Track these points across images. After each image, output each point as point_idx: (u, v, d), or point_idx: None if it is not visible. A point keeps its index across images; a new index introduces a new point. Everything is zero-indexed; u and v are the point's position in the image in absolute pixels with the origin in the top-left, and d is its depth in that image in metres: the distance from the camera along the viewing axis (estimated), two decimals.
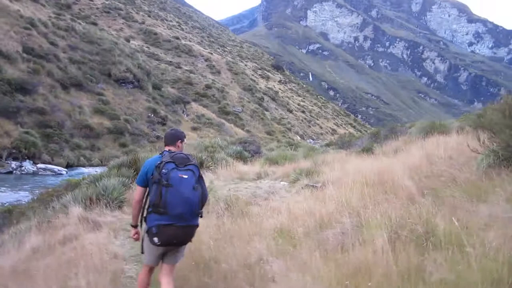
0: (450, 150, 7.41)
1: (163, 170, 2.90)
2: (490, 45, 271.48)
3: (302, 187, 7.37)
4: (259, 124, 54.52)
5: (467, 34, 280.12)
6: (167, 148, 3.26)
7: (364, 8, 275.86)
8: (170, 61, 69.87)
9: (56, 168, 21.09)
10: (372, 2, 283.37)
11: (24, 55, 30.49)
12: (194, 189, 2.89)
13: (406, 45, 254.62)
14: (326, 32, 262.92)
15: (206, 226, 4.85)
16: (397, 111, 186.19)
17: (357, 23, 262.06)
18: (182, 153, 3.11)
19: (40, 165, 21.01)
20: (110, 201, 6.58)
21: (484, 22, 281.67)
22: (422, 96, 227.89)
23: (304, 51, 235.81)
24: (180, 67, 67.18)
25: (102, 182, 6.95)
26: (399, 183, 5.55)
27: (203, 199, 2.97)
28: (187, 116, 44.01)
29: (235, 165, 10.94)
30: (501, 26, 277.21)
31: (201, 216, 3.01)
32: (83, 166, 23.53)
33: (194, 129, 40.56)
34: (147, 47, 74.51)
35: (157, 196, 2.87)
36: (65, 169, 21.68)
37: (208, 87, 58.72)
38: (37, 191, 9.83)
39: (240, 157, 13.06)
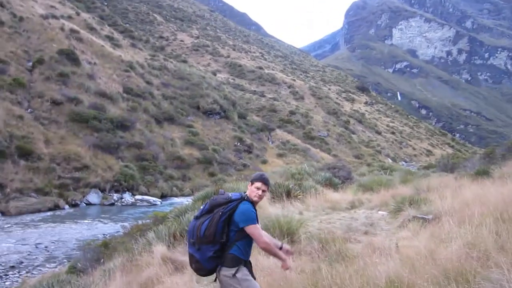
0: None
1: None
2: None
3: (409, 220, 6.19)
4: (346, 148, 52.47)
5: None
6: None
7: (456, 20, 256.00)
8: (254, 91, 71.94)
9: (151, 199, 22.35)
10: (465, 12, 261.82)
11: (124, 95, 33.70)
12: (195, 219, 2.94)
13: (510, 54, 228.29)
14: (414, 49, 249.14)
15: (300, 270, 4.05)
16: (503, 128, 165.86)
17: (449, 37, 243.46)
18: (225, 193, 3.04)
19: (137, 197, 22.49)
20: None
21: None
22: None
23: (390, 70, 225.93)
24: (264, 96, 68.67)
25: (186, 217, 6.65)
26: None
27: (199, 232, 2.83)
28: (272, 143, 44.13)
29: (325, 193, 10.04)
30: None
31: (198, 249, 2.84)
32: (176, 196, 24.67)
33: (280, 155, 40.32)
34: (232, 79, 78.02)
35: None
36: (160, 200, 22.90)
37: (292, 113, 58.72)
38: (127, 225, 10.09)
39: (330, 184, 12.03)
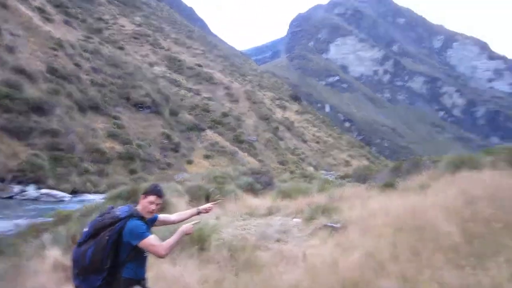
0: (488, 188, 6.42)
1: None
2: (509, 82, 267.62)
3: (319, 228, 6.41)
4: (272, 153, 53.73)
5: (487, 70, 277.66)
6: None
7: (386, 43, 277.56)
8: (190, 88, 70.61)
9: (59, 194, 20.17)
10: (394, 37, 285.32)
11: (47, 75, 30.82)
12: (77, 246, 2.66)
13: (425, 79, 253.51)
14: (346, 65, 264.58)
15: (204, 281, 3.93)
16: (412, 144, 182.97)
17: (378, 57, 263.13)
18: (113, 208, 2.78)
19: (43, 191, 20.08)
20: None
21: (504, 59, 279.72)
22: (439, 130, 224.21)
23: (323, 83, 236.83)
24: (199, 94, 67.73)
25: (93, 217, 6.08)
26: (439, 228, 4.60)
27: (84, 260, 2.54)
28: (201, 143, 43.59)
29: (245, 198, 10.09)
30: None
31: (84, 280, 2.55)
32: (89, 192, 22.66)
33: (207, 157, 39.98)
34: (169, 73, 75.73)
35: None
36: (69, 195, 20.74)
37: (225, 115, 58.71)
38: (22, 223, 9.01)
39: (251, 189, 12.14)
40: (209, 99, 66.97)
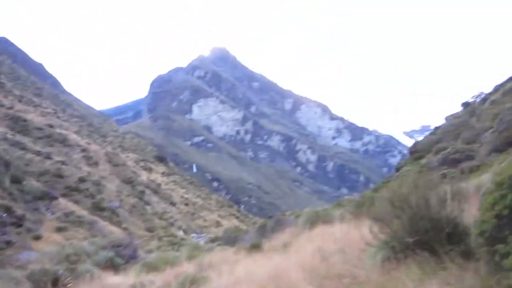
0: (339, 242, 7.08)
1: None
2: (348, 139, 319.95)
3: None
4: (138, 220, 50.44)
5: (329, 129, 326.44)
6: None
7: (244, 104, 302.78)
8: (39, 151, 62.56)
9: None
10: (251, 100, 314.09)
11: None
12: None
13: (281, 138, 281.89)
14: (210, 125, 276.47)
15: None
16: (276, 200, 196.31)
17: (239, 118, 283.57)
18: None
19: None
20: None
21: (342, 119, 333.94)
22: (298, 184, 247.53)
23: (188, 143, 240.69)
24: (50, 158, 60.30)
25: None
26: None
27: None
28: (52, 214, 38.08)
29: (104, 277, 8.92)
30: (354, 124, 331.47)
31: None
32: None
33: (60, 229, 34.77)
34: (12, 134, 66.00)
35: None
36: None
37: (82, 180, 53.22)
38: None
39: (112, 265, 10.86)
40: (63, 163, 60.29)
